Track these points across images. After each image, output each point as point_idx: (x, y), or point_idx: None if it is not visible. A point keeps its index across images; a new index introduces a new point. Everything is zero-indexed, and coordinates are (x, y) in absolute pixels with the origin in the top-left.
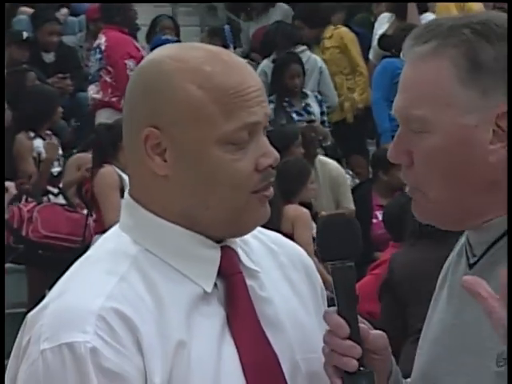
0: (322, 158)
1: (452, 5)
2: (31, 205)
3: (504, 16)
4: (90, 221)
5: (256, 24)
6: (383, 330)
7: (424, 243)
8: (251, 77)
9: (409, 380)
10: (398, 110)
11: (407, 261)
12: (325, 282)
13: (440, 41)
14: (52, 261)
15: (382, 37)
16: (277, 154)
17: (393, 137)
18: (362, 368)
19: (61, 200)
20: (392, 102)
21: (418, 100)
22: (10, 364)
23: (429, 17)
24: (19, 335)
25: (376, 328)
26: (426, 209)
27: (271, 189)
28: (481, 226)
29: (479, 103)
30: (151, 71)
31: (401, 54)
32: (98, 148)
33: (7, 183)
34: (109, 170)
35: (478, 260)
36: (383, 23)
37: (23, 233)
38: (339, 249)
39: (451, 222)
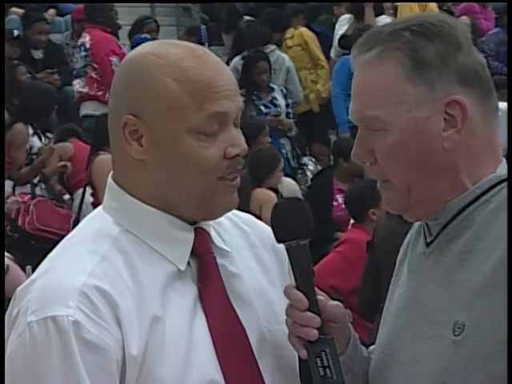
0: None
1: (415, 5)
2: (27, 197)
3: (438, 15)
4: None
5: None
6: (363, 291)
7: (393, 217)
8: (223, 72)
9: (372, 347)
10: (354, 114)
11: (386, 228)
12: None
13: (383, 46)
14: (41, 251)
15: (342, 37)
16: (245, 146)
17: (350, 127)
18: (322, 336)
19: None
20: (349, 95)
21: (371, 103)
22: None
23: (385, 19)
24: (9, 307)
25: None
26: (394, 199)
27: (238, 179)
28: (434, 209)
29: (428, 96)
30: (134, 66)
31: None
32: (95, 137)
33: None
34: (105, 158)
35: (434, 239)
36: (343, 24)
37: (19, 223)
38: (293, 230)
39: (416, 211)
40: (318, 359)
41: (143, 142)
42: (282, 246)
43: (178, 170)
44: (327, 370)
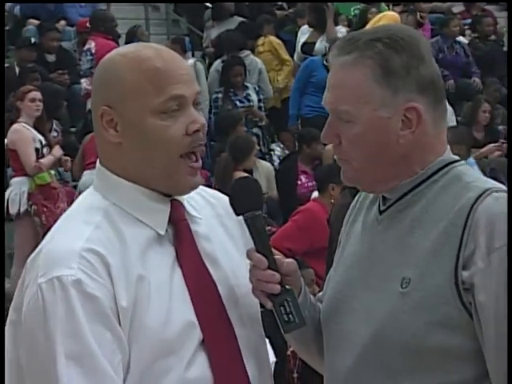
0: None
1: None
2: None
3: (407, 29)
4: None
5: (217, 30)
6: (328, 262)
7: (346, 196)
8: (179, 62)
9: (319, 294)
10: (328, 104)
11: (339, 205)
12: None
13: (359, 53)
14: None
15: (304, 44)
16: (204, 121)
17: (297, 119)
18: (283, 288)
19: None
20: (305, 93)
21: (344, 98)
22: (15, 297)
23: (340, 29)
24: (22, 276)
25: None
26: (351, 175)
27: (200, 162)
28: (391, 187)
29: (391, 100)
30: (104, 66)
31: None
32: None
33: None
34: None
35: (387, 208)
36: (304, 33)
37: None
38: (248, 203)
39: (369, 186)
40: (281, 308)
41: (118, 127)
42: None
43: (147, 148)
44: (290, 316)
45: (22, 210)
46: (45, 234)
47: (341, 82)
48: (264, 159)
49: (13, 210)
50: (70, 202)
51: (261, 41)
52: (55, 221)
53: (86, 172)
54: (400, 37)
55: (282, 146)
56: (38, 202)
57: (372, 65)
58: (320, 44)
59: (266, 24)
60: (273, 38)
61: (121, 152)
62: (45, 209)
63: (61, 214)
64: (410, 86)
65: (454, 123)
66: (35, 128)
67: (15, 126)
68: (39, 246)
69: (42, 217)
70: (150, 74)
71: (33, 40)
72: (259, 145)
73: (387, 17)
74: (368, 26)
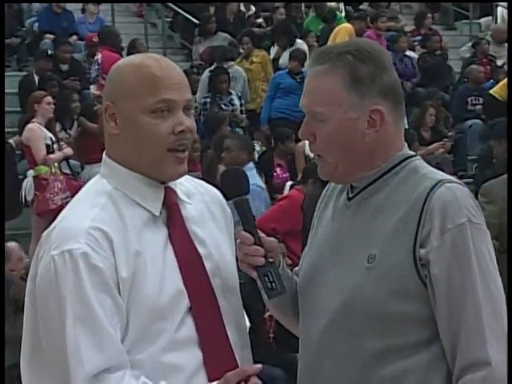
0: None
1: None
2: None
3: (370, 43)
4: None
5: (203, 45)
6: (303, 245)
7: (315, 186)
8: (176, 73)
9: (296, 269)
10: (305, 106)
11: (310, 194)
12: None
13: (331, 63)
14: None
15: (273, 60)
16: (189, 125)
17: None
18: (266, 261)
19: None
20: (274, 98)
21: (318, 102)
22: (31, 268)
23: (301, 44)
24: (36, 249)
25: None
26: (327, 171)
27: (186, 153)
28: (358, 178)
29: (359, 104)
30: (115, 69)
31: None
32: None
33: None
34: None
35: (355, 196)
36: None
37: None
38: (237, 190)
39: (340, 179)
40: (265, 277)
41: (117, 121)
42: (225, 203)
43: (138, 141)
44: (273, 284)
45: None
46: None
47: (316, 87)
48: None
49: (29, 197)
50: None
51: (256, 53)
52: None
53: (86, 166)
54: (367, 50)
55: (259, 143)
56: (35, 192)
57: (342, 73)
58: (283, 59)
59: (246, 39)
60: (265, 54)
61: (119, 142)
62: (36, 197)
63: (50, 203)
64: (374, 91)
65: (406, 125)
66: (46, 128)
67: (29, 125)
68: (52, 224)
69: (35, 204)
70: (147, 79)
71: (49, 52)
72: None
73: (344, 28)
74: (330, 38)
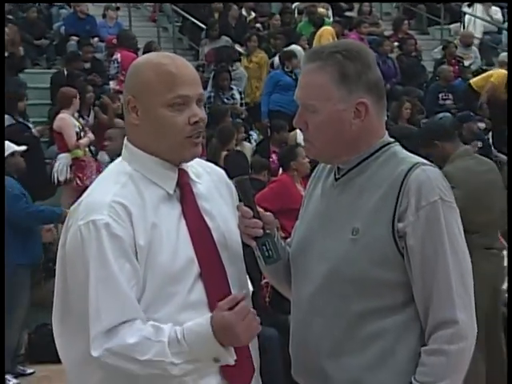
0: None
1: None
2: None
3: (357, 44)
4: None
5: (209, 46)
6: None
7: None
8: (189, 70)
9: (288, 240)
10: (299, 99)
11: None
12: None
13: (323, 62)
14: None
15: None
16: (203, 116)
17: (267, 114)
18: (264, 232)
19: None
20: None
21: (311, 95)
22: (61, 237)
23: (296, 48)
24: (66, 220)
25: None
26: (314, 152)
27: (201, 138)
28: (345, 161)
29: (347, 97)
30: (134, 66)
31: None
32: None
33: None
34: None
35: (341, 177)
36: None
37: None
38: (239, 170)
39: (327, 160)
40: (263, 247)
41: (138, 113)
42: (230, 182)
43: (159, 131)
44: (270, 252)
45: (67, 177)
46: (81, 193)
47: (309, 83)
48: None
49: (61, 178)
50: (98, 171)
51: (257, 53)
52: (85, 185)
53: (100, 152)
54: (354, 50)
55: (257, 132)
56: (73, 172)
57: (332, 71)
58: (277, 60)
59: (254, 37)
60: (264, 55)
61: (139, 131)
62: (76, 177)
63: (89, 180)
64: (360, 87)
65: (385, 117)
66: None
67: (60, 115)
68: (80, 199)
69: (76, 181)
70: (165, 76)
71: (80, 53)
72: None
73: (326, 31)
74: (315, 39)
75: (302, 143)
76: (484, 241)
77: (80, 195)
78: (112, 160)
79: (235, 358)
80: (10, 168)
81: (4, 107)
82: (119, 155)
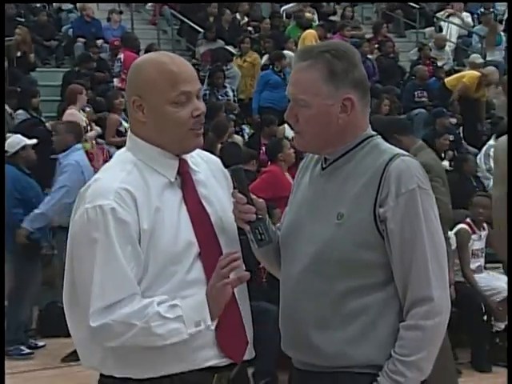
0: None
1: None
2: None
3: (344, 44)
4: None
5: (204, 47)
6: None
7: None
8: (188, 68)
9: (278, 225)
10: (290, 94)
11: None
12: None
13: (313, 60)
14: None
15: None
16: (204, 109)
17: (257, 111)
18: (257, 217)
19: None
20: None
21: (301, 91)
22: (70, 221)
23: (288, 53)
24: (76, 202)
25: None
26: (302, 143)
27: (202, 129)
28: (331, 152)
29: (334, 93)
30: (136, 66)
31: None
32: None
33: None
34: None
35: (327, 167)
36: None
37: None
38: (234, 160)
39: (315, 151)
40: (256, 230)
41: (144, 111)
42: (225, 170)
43: (165, 126)
44: (262, 235)
45: None
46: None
47: (300, 79)
48: (237, 134)
49: None
50: (104, 159)
51: (250, 54)
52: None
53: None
54: (342, 50)
55: (249, 126)
56: None
57: (321, 69)
58: (265, 61)
59: (247, 40)
60: (257, 56)
61: (146, 128)
62: None
63: (96, 169)
64: (347, 83)
65: (369, 112)
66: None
67: (69, 110)
68: (87, 183)
69: None
70: (167, 74)
71: (91, 55)
72: (234, 126)
73: (310, 34)
74: (300, 41)
75: (290, 136)
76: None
77: None
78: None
79: (214, 325)
80: (21, 160)
81: (4, 107)
82: (64, 150)
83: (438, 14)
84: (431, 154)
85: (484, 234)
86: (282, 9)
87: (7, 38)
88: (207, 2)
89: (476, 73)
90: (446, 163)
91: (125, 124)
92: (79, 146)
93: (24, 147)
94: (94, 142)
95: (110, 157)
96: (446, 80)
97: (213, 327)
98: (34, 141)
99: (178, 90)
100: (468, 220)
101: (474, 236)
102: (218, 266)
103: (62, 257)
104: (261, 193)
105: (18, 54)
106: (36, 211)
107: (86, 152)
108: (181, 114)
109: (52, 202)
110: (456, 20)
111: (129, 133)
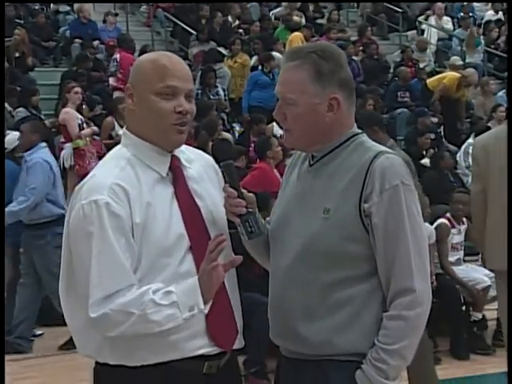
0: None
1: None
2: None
3: (331, 45)
4: None
5: (197, 48)
6: None
7: None
8: (182, 67)
9: (268, 219)
10: (279, 93)
11: None
12: None
13: (301, 60)
14: None
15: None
16: (187, 108)
17: (247, 109)
18: (247, 210)
19: None
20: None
21: (290, 90)
22: (66, 216)
23: (276, 54)
24: (71, 200)
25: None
26: (291, 141)
27: (186, 126)
28: (318, 149)
29: (321, 92)
30: (137, 61)
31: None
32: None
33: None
34: None
35: (314, 163)
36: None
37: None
38: (225, 155)
39: (303, 148)
40: (246, 223)
41: (133, 99)
42: (216, 166)
43: (149, 115)
44: (252, 228)
45: (71, 164)
46: (82, 177)
47: (288, 79)
48: (228, 132)
49: (67, 164)
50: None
51: (240, 55)
52: (85, 171)
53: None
54: (329, 51)
55: (239, 124)
56: (74, 159)
57: (309, 69)
58: (255, 62)
59: (238, 41)
60: (247, 58)
61: (134, 117)
62: (77, 164)
63: (88, 167)
64: (333, 83)
65: (354, 111)
66: (77, 111)
67: (64, 109)
68: (83, 181)
69: (76, 168)
70: (158, 68)
71: (88, 55)
72: (224, 124)
73: (296, 36)
74: (287, 43)
75: (278, 134)
76: None
77: (81, 179)
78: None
79: (207, 309)
80: (18, 155)
81: (4, 107)
82: (28, 149)
83: (420, 18)
84: (403, 153)
85: (463, 228)
86: (272, 12)
87: (6, 39)
88: (202, 2)
89: (456, 74)
90: (426, 160)
91: (117, 129)
92: (43, 144)
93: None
94: (88, 139)
95: (105, 153)
96: (427, 81)
97: (206, 311)
98: None
99: (164, 83)
100: (448, 215)
101: (453, 230)
102: (207, 251)
103: (28, 253)
104: (251, 188)
105: (17, 54)
106: (10, 208)
107: (77, 148)
108: (163, 106)
109: (26, 204)
110: (435, 22)
111: (124, 130)
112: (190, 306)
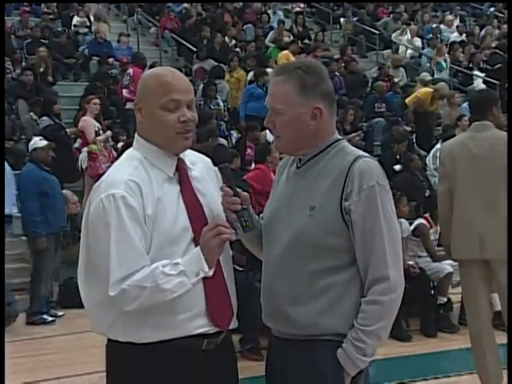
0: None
1: (289, 56)
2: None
3: (315, 62)
4: None
5: (198, 65)
6: None
7: None
8: (183, 81)
9: (261, 215)
10: (269, 103)
11: None
12: None
13: (287, 75)
14: None
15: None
16: (190, 116)
17: (244, 118)
18: (242, 207)
19: None
20: (250, 101)
21: (278, 101)
22: (85, 209)
23: (269, 70)
24: (90, 195)
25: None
26: (280, 146)
27: (190, 134)
28: (304, 153)
29: (306, 103)
30: (143, 77)
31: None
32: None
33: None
34: None
35: (302, 165)
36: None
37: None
38: (222, 159)
39: (290, 152)
40: (241, 218)
41: (142, 112)
42: (214, 168)
43: (156, 127)
44: (247, 223)
45: (86, 165)
46: (97, 178)
47: (276, 91)
48: (226, 139)
49: (83, 166)
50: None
51: (237, 71)
52: (95, 172)
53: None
54: (312, 66)
55: (237, 132)
56: (88, 162)
57: (295, 83)
58: (251, 77)
59: (236, 58)
60: (244, 73)
61: (143, 127)
62: (89, 166)
63: (100, 169)
64: (317, 95)
65: (335, 119)
66: (95, 119)
67: (83, 117)
68: (101, 179)
69: (88, 170)
70: (162, 84)
71: (111, 73)
72: (224, 131)
73: (285, 54)
74: (278, 60)
75: (270, 140)
76: None
77: (96, 180)
78: None
79: (211, 272)
80: (35, 158)
81: (4, 107)
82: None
83: (394, 34)
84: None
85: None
86: (267, 40)
87: (32, 57)
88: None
89: (428, 89)
90: (398, 166)
91: (97, 124)
92: None
93: (35, 149)
94: (102, 144)
95: (115, 157)
96: (406, 100)
97: (211, 273)
98: (45, 143)
99: (168, 97)
100: (426, 215)
101: (431, 230)
102: (205, 228)
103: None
104: (255, 183)
105: (41, 69)
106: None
107: (91, 152)
108: (168, 118)
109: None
110: (407, 36)
111: (135, 135)
112: (197, 272)
